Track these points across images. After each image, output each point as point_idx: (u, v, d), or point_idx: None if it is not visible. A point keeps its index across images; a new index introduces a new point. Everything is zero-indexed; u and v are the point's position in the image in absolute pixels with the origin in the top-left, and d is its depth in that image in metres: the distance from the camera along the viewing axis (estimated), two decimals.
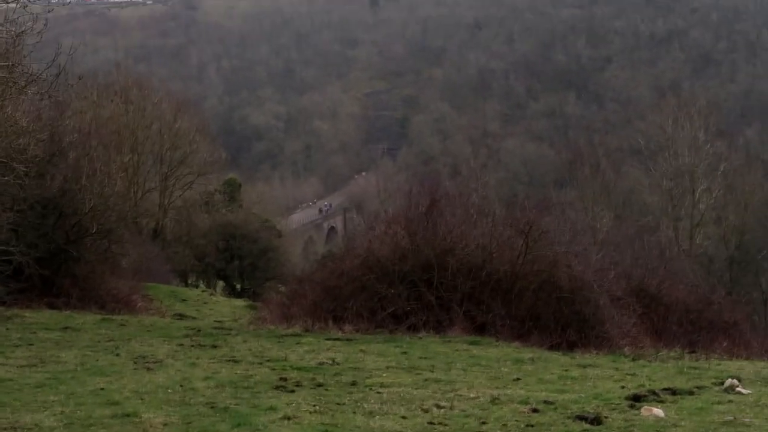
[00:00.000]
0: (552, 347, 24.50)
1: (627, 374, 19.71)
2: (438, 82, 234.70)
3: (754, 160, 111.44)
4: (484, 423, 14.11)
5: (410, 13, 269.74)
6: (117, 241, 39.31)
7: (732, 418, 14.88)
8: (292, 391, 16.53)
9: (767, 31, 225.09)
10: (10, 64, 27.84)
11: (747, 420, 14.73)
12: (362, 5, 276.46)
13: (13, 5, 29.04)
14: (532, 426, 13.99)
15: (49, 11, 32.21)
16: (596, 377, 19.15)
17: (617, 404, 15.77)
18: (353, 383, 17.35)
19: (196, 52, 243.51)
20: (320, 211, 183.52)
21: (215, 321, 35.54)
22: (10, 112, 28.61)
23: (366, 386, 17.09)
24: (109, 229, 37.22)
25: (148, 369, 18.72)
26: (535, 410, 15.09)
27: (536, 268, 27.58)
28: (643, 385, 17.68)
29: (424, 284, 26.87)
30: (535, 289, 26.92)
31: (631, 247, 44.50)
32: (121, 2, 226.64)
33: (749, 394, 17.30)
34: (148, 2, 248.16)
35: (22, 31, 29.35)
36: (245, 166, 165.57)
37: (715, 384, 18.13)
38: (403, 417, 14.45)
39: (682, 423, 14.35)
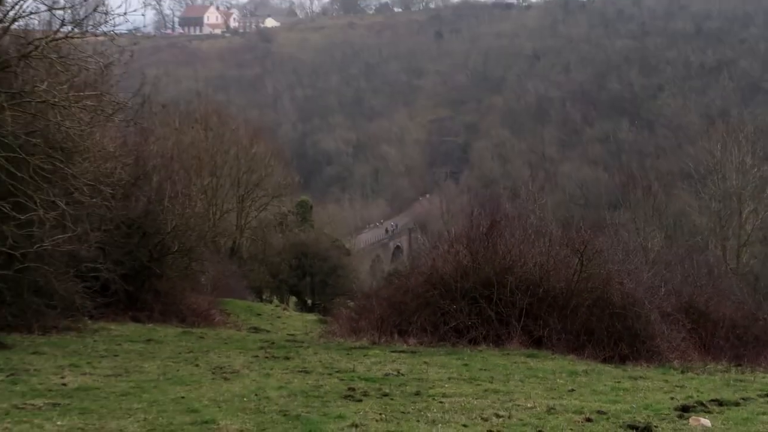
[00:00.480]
0: (605, 360, 24.37)
1: (676, 386, 19.58)
2: (498, 110, 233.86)
3: None
4: (540, 431, 14.13)
5: (472, 45, 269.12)
6: (197, 258, 39.53)
7: None
8: (360, 401, 16.57)
9: None
10: (99, 93, 28.11)
11: None
12: (427, 37, 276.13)
13: (102, 38, 29.39)
14: None
15: (134, 44, 32.68)
16: (646, 389, 19.05)
17: (666, 414, 15.74)
18: (417, 393, 17.36)
19: (271, 82, 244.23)
20: (386, 231, 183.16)
21: (288, 334, 35.60)
22: (98, 138, 28.88)
23: (429, 396, 17.09)
24: (189, 248, 37.46)
25: (226, 379, 18.85)
26: (588, 420, 15.09)
27: (590, 285, 27.44)
28: (691, 397, 17.61)
29: (484, 300, 26.79)
30: (589, 305, 26.76)
31: (680, 265, 44.12)
32: (201, 35, 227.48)
33: None
34: (227, 35, 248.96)
35: (110, 63, 29.66)
36: (316, 189, 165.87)
37: (760, 396, 18.06)
38: (464, 425, 14.50)
39: None
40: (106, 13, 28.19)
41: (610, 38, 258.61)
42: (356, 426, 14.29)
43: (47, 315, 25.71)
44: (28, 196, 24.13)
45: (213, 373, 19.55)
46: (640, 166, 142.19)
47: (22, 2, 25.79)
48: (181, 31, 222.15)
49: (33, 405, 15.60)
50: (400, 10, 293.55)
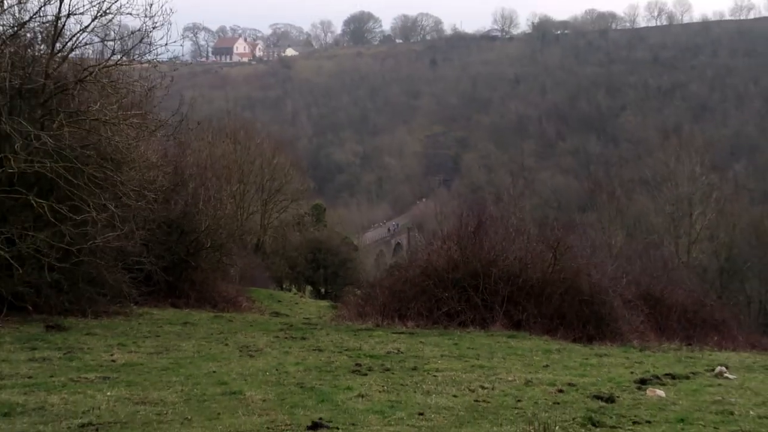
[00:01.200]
0: (575, 340, 24.60)
1: (635, 362, 19.77)
2: (484, 126, 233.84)
3: (741, 190, 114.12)
4: (519, 401, 14.22)
5: (462, 71, 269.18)
6: (226, 253, 39.59)
7: (720, 398, 14.94)
8: (365, 375, 16.66)
9: (752, 85, 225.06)
10: (144, 112, 28.37)
11: (732, 400, 14.76)
12: (424, 64, 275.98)
13: (146, 65, 29.58)
14: (558, 403, 14.08)
15: (174, 70, 32.83)
16: (610, 364, 19.21)
17: (627, 386, 15.92)
18: (414, 368, 17.49)
19: (290, 102, 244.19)
20: (389, 230, 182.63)
21: (304, 318, 35.66)
22: (143, 150, 29.01)
23: (424, 371, 17.21)
24: (220, 244, 37.54)
25: (251, 356, 18.95)
26: (560, 391, 15.22)
27: (562, 276, 27.63)
28: (648, 371, 17.77)
29: (471, 289, 26.95)
30: (561, 293, 26.96)
31: (639, 259, 44.40)
32: (231, 63, 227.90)
33: (735, 379, 17.36)
34: (253, 63, 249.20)
35: (153, 86, 29.89)
36: (329, 194, 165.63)
37: (707, 370, 18.20)
38: (454, 396, 14.61)
39: (680, 402, 14.43)
40: (150, 44, 28.58)
41: (581, 65, 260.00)
42: (362, 396, 14.34)
43: (99, 302, 25.86)
44: (83, 200, 24.26)
45: (240, 351, 19.67)
46: (605, 175, 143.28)
47: (79, 35, 26.08)
48: (214, 59, 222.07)
49: (86, 378, 15.65)
50: (401, 41, 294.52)
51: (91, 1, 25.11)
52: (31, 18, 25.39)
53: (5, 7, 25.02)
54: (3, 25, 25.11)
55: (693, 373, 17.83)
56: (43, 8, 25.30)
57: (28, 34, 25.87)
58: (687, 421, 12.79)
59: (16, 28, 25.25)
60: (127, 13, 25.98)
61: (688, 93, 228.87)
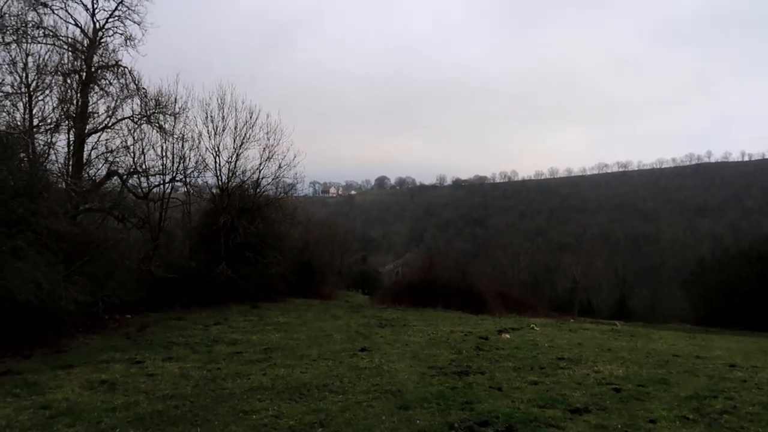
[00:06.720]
0: (471, 312, 23.54)
1: (496, 322, 19.36)
2: (438, 224, 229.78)
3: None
4: (447, 339, 14.02)
5: (426, 204, 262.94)
6: (329, 276, 39.06)
7: (532, 338, 14.76)
8: (383, 327, 16.38)
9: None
10: (292, 217, 28.08)
11: (538, 339, 14.60)
12: (408, 198, 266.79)
13: (293, 197, 29.31)
14: (464, 340, 13.88)
15: (303, 196, 32.64)
16: (485, 323, 18.77)
17: (493, 333, 15.57)
18: (404, 325, 17.09)
19: (354, 215, 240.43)
20: (393, 267, 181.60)
21: (358, 303, 35.25)
22: (291, 232, 28.62)
23: (409, 326, 16.84)
24: (322, 271, 36.97)
25: (336, 319, 18.65)
26: (465, 334, 14.95)
27: (467, 283, 26.83)
28: (502, 327, 17.45)
29: (428, 291, 26.01)
30: (465, 291, 25.82)
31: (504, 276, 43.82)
32: (328, 196, 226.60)
33: (538, 330, 17.09)
34: (337, 196, 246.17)
35: (296, 207, 29.71)
36: (369, 250, 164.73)
37: (527, 326, 17.92)
38: (420, 336, 14.38)
39: (515, 340, 14.25)
40: (294, 188, 28.16)
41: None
42: (382, 337, 14.18)
43: (275, 296, 25.10)
44: (267, 254, 24.31)
45: (332, 317, 19.34)
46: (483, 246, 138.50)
47: (266, 186, 25.79)
48: (320, 194, 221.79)
49: (267, 328, 15.65)
50: (398, 187, 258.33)
51: (274, 174, 25.02)
52: (247, 179, 25.21)
53: (236, 173, 24.71)
54: (234, 181, 24.93)
55: (521, 327, 17.59)
56: (251, 175, 25.14)
57: (246, 184, 25.74)
58: (519, 348, 12.75)
59: (239, 183, 25.26)
60: (285, 178, 25.77)
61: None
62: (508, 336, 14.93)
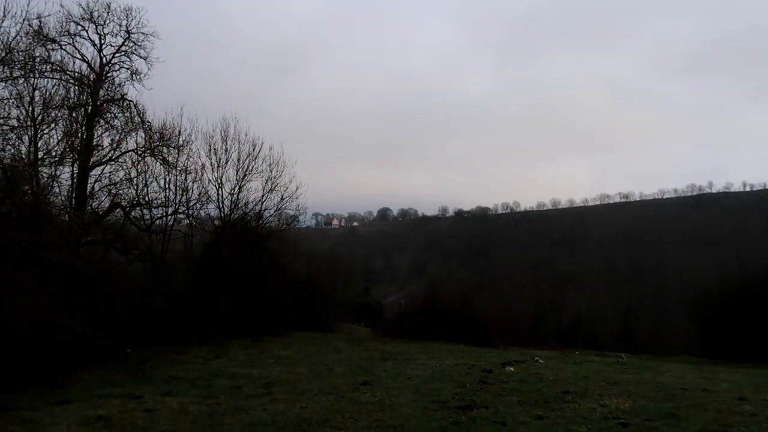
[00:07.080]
0: (474, 345, 22.58)
1: (500, 354, 19.12)
2: (439, 256, 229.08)
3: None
4: (451, 372, 13.90)
5: (429, 238, 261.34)
6: (330, 307, 38.62)
7: (537, 371, 14.58)
8: (386, 360, 16.21)
9: None
10: (295, 248, 27.92)
11: (542, 372, 14.41)
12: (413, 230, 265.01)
13: (295, 229, 29.22)
14: (468, 373, 13.74)
15: (307, 228, 32.64)
16: (489, 355, 18.53)
17: (497, 365, 15.39)
18: (406, 359, 16.81)
19: (356, 248, 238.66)
20: (396, 299, 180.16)
21: (361, 336, 34.88)
22: (294, 263, 28.55)
23: (410, 360, 16.61)
24: (323, 301, 36.57)
25: (337, 351, 18.46)
26: (469, 367, 14.79)
27: (470, 315, 26.44)
28: (506, 359, 17.24)
29: (429, 322, 25.36)
30: (467, 322, 25.41)
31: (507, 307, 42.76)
32: (330, 228, 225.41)
33: (543, 363, 16.88)
34: (339, 228, 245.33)
35: (298, 239, 29.64)
36: (372, 282, 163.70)
37: (531, 358, 17.70)
38: (424, 370, 14.23)
39: (519, 373, 14.08)
40: (297, 218, 27.98)
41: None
42: (384, 371, 14.03)
43: (278, 325, 24.53)
44: (267, 286, 24.17)
45: (333, 350, 19.14)
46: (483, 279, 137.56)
47: (269, 218, 25.71)
48: (322, 226, 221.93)
49: (267, 363, 15.44)
50: (400, 218, 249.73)
51: (276, 206, 25.01)
52: (249, 210, 25.23)
53: (239, 205, 24.75)
54: (237, 213, 24.92)
55: (525, 359, 17.36)
56: (254, 207, 25.19)
57: (249, 216, 25.69)
58: (524, 382, 12.58)
59: (242, 215, 25.13)
60: (288, 209, 25.80)
61: None
62: (512, 369, 14.69)
